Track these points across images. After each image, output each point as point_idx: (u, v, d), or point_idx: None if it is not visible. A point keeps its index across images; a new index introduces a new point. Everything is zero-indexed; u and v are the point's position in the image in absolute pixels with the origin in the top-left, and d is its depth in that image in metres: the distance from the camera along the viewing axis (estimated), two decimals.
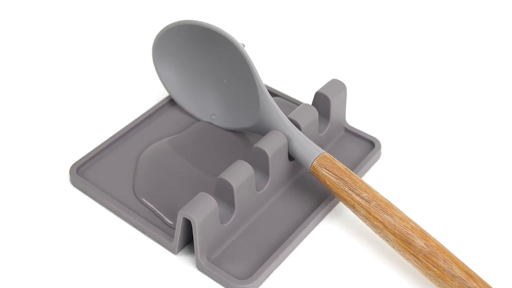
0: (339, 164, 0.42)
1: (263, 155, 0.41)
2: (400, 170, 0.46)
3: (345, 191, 0.40)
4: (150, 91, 0.52)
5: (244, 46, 0.44)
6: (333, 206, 0.44)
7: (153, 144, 0.47)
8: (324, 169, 0.41)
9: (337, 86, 0.46)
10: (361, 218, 0.40)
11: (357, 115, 0.50)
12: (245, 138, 0.47)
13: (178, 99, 0.49)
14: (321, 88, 0.46)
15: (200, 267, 0.40)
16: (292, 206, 0.43)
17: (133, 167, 0.46)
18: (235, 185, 0.40)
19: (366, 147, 0.47)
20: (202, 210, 0.38)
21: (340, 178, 0.41)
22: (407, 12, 0.62)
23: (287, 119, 0.43)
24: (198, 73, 0.48)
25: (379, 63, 0.56)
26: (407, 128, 0.50)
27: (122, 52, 0.57)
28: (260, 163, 0.42)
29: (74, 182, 0.45)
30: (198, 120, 0.49)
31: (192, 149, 0.46)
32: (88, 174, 0.45)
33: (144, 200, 0.43)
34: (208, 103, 0.49)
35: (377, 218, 0.39)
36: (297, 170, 0.45)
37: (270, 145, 0.42)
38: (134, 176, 0.45)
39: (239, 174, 0.40)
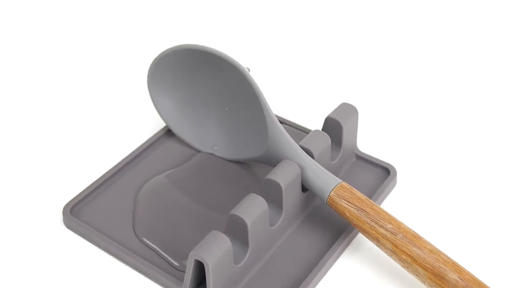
0: (359, 194, 0.39)
1: (276, 187, 0.38)
2: (418, 198, 0.44)
3: (368, 223, 0.37)
4: (145, 122, 0.49)
5: (249, 70, 0.41)
6: (352, 239, 0.41)
7: (151, 180, 0.43)
8: (343, 200, 0.38)
9: (348, 110, 0.43)
10: (386, 252, 0.37)
11: (366, 140, 0.48)
12: (250, 169, 0.44)
13: (176, 130, 0.46)
14: (332, 113, 0.43)
15: None
16: (308, 241, 0.40)
17: (132, 205, 0.42)
18: (249, 221, 0.36)
19: (380, 174, 0.44)
20: (216, 251, 0.35)
21: (361, 209, 0.38)
22: (413, 34, 0.60)
23: (299, 147, 0.40)
24: (198, 101, 0.45)
25: (384, 87, 0.54)
26: (420, 153, 0.47)
27: (114, 81, 0.54)
28: (272, 196, 0.39)
29: (68, 224, 0.41)
30: (199, 151, 0.46)
31: (194, 183, 0.43)
32: (83, 214, 0.41)
33: (146, 241, 0.40)
34: (209, 133, 0.45)
35: (405, 252, 0.36)
36: (311, 201, 0.42)
37: (283, 176, 0.39)
38: (133, 214, 0.41)
39: (253, 209, 0.37)
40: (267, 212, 0.37)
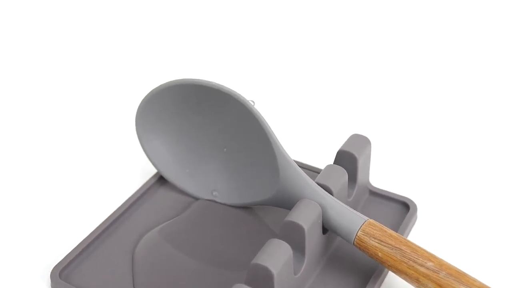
0: (390, 231, 0.35)
1: (298, 230, 0.34)
2: (442, 232, 0.40)
3: (405, 262, 0.33)
4: (133, 170, 0.44)
5: (254, 104, 0.38)
6: (382, 282, 0.37)
7: (145, 236, 0.39)
8: (373, 239, 0.34)
9: (361, 142, 0.40)
10: None
11: (375, 174, 0.44)
12: (254, 213, 0.40)
13: (170, 176, 0.41)
14: (344, 146, 0.39)
15: None
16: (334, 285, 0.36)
17: (127, 264, 0.37)
18: (275, 271, 0.32)
19: (399, 209, 0.40)
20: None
21: (396, 247, 0.34)
22: (418, 62, 0.57)
23: (316, 184, 0.37)
24: (194, 143, 0.41)
25: (385, 117, 0.51)
26: (434, 184, 0.44)
27: (96, 124, 0.49)
28: (293, 240, 0.34)
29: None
30: (197, 198, 0.41)
31: (195, 236, 0.38)
32: (74, 278, 0.36)
33: None
34: (208, 178, 0.41)
35: None
36: (331, 243, 0.38)
37: (304, 217, 0.34)
38: (133, 277, 0.36)
39: (278, 257, 0.32)
40: (292, 259, 0.33)
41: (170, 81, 0.39)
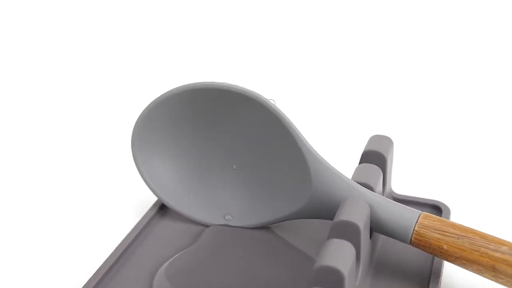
0: (448, 221, 0.31)
1: (352, 229, 0.30)
2: None
3: (476, 250, 0.30)
4: (128, 201, 0.38)
5: (274, 103, 0.34)
6: (440, 283, 0.33)
7: (161, 268, 0.33)
8: (434, 231, 0.31)
9: (385, 142, 0.36)
10: (507, 282, 0.30)
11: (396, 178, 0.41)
12: (272, 232, 0.35)
13: (173, 203, 0.36)
14: (369, 146, 0.36)
15: None
16: None
17: None
18: (345, 271, 0.27)
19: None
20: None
21: (463, 236, 0.30)
22: (429, 62, 0.56)
23: (356, 182, 0.33)
24: (199, 160, 0.36)
25: (394, 118, 0.48)
26: (457, 184, 0.41)
27: (80, 149, 0.43)
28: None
29: None
30: (206, 225, 0.36)
31: (215, 263, 0.33)
32: None
33: None
34: (218, 200, 0.36)
35: None
36: (374, 249, 0.34)
37: (356, 216, 0.30)
38: None
39: (344, 257, 0.28)
40: (355, 262, 0.29)
41: (172, 89, 0.34)
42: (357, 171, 0.34)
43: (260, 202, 0.35)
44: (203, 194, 0.36)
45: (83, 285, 0.31)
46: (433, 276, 0.32)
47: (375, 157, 0.35)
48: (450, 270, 0.34)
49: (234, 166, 0.36)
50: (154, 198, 0.38)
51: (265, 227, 0.36)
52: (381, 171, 0.34)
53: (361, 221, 0.30)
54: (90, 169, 0.43)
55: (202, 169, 0.36)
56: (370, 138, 0.37)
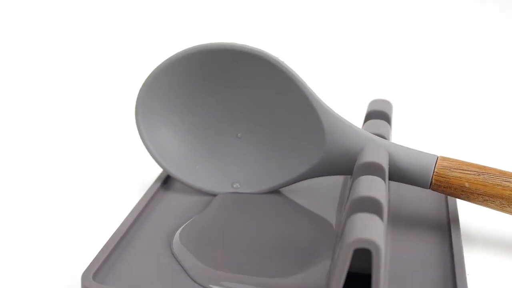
0: (464, 161, 0.32)
1: (377, 168, 0.30)
2: None
3: (498, 184, 0.30)
4: (133, 177, 0.37)
5: (283, 61, 0.34)
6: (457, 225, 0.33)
7: (181, 229, 0.31)
8: (455, 171, 0.31)
9: (385, 104, 0.37)
10: None
11: None
12: (283, 195, 0.35)
13: (178, 174, 0.35)
14: (371, 106, 0.36)
15: None
16: (417, 250, 0.31)
17: (164, 260, 0.29)
18: (383, 201, 0.27)
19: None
20: (379, 234, 0.25)
21: (482, 172, 0.31)
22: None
23: (370, 133, 0.33)
24: (206, 127, 0.35)
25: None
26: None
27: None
28: None
29: None
30: (214, 195, 0.35)
31: (233, 224, 0.32)
32: (108, 280, 0.28)
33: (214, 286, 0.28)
34: (225, 169, 0.35)
35: None
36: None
37: (379, 158, 0.30)
38: (184, 268, 0.29)
39: (380, 190, 0.27)
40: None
41: (174, 55, 0.34)
42: (367, 126, 0.34)
43: (270, 166, 0.35)
44: (209, 163, 0.35)
45: (93, 258, 0.30)
46: (452, 221, 0.32)
47: (379, 116, 0.36)
48: (464, 217, 0.34)
49: (239, 134, 0.35)
50: (155, 176, 0.37)
51: (275, 192, 0.35)
52: (389, 125, 0.34)
53: (385, 163, 0.30)
54: (92, 146, 0.42)
55: (207, 139, 0.35)
56: (370, 102, 0.37)
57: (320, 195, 0.35)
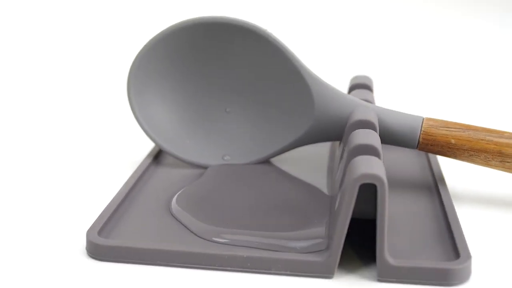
0: (448, 120, 0.33)
1: (369, 125, 0.31)
2: None
3: (482, 139, 0.32)
4: (124, 151, 0.37)
5: (271, 33, 0.35)
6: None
7: (178, 194, 0.32)
8: (441, 128, 0.32)
9: (367, 79, 0.38)
10: (510, 165, 0.31)
11: None
12: (272, 165, 0.36)
13: (170, 147, 0.35)
14: (353, 81, 0.38)
15: (386, 273, 0.26)
16: (410, 207, 0.32)
17: (166, 219, 0.30)
18: (379, 148, 0.28)
19: None
20: (382, 173, 0.26)
21: (467, 129, 0.32)
22: None
23: (358, 99, 0.34)
24: (193, 105, 0.36)
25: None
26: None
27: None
28: None
29: (97, 251, 0.27)
30: (205, 167, 0.36)
31: (228, 190, 0.33)
32: (113, 236, 0.28)
33: (219, 239, 0.28)
34: (215, 142, 0.36)
35: None
36: None
37: (370, 116, 0.32)
38: (185, 226, 0.29)
39: (375, 140, 0.29)
40: None
41: (164, 29, 0.34)
42: (353, 95, 0.35)
43: (259, 137, 0.36)
44: (200, 137, 0.36)
45: (96, 218, 0.30)
46: (438, 181, 0.34)
47: (363, 87, 0.37)
48: (448, 180, 0.35)
49: (228, 109, 0.36)
50: (146, 152, 0.37)
51: (265, 162, 0.36)
52: (372, 93, 0.36)
53: (375, 121, 0.31)
54: (85, 124, 0.42)
55: (197, 113, 0.36)
56: (352, 78, 0.39)
57: (308, 164, 0.36)
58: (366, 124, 0.31)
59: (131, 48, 0.36)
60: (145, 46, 0.35)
